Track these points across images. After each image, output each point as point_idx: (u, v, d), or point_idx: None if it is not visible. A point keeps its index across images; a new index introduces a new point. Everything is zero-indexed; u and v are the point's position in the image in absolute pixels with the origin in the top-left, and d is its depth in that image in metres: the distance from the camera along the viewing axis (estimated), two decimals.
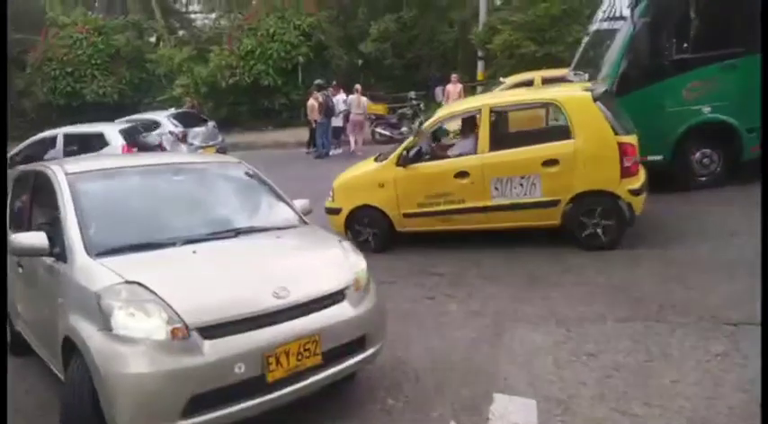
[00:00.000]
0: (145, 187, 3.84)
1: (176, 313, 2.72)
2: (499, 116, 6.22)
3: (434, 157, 6.28)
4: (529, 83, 10.56)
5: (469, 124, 6.39)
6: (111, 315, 2.72)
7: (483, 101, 6.41)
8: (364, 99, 14.57)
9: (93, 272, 2.98)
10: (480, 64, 19.37)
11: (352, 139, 14.09)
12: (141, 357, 2.65)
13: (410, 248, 6.42)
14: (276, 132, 18.85)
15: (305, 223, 3.97)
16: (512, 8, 19.96)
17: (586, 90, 5.76)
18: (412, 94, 17.38)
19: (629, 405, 3.17)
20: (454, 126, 8.02)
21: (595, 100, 5.50)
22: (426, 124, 6.57)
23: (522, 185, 5.61)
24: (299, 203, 4.12)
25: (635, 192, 5.42)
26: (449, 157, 6.24)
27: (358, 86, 14.70)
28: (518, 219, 5.81)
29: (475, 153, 5.89)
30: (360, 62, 23.70)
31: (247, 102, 20.46)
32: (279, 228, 3.74)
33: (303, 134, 15.42)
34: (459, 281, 5.34)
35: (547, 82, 10.68)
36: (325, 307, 3.11)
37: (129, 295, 2.79)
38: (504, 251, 6.00)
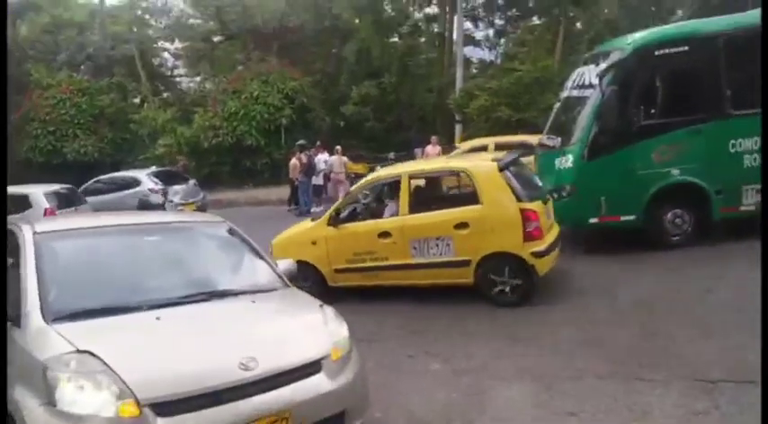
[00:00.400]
0: (118, 247, 3.65)
1: (127, 387, 2.46)
2: (418, 182, 6.77)
3: (367, 218, 6.77)
4: (483, 149, 11.23)
5: (395, 189, 6.83)
6: (57, 388, 2.46)
7: (403, 168, 6.96)
8: (344, 159, 14.87)
9: (45, 339, 2.73)
10: (458, 127, 20.02)
11: (341, 196, 14.23)
12: None
13: (391, 305, 6.38)
14: (257, 190, 18.94)
15: (287, 285, 3.77)
16: (487, 76, 20.90)
17: (494, 160, 6.23)
18: (391, 155, 17.83)
19: None
20: None
21: (501, 170, 5.97)
22: (354, 188, 7.18)
23: (437, 245, 6.04)
24: (283, 264, 3.97)
25: (538, 254, 5.80)
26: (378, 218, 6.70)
27: (338, 147, 15.05)
28: (436, 277, 6.19)
29: (397, 215, 6.36)
30: (342, 124, 24.29)
31: (229, 162, 20.66)
32: (257, 291, 3.53)
33: (284, 192, 15.56)
34: (441, 339, 5.29)
35: (501, 147, 11.26)
36: (299, 379, 2.85)
37: (79, 366, 2.53)
38: (487, 308, 6.01)
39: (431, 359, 4.87)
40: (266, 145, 19.99)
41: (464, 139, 19.87)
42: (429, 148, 14.30)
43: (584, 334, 5.00)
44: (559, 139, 7.94)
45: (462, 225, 5.91)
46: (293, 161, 14.43)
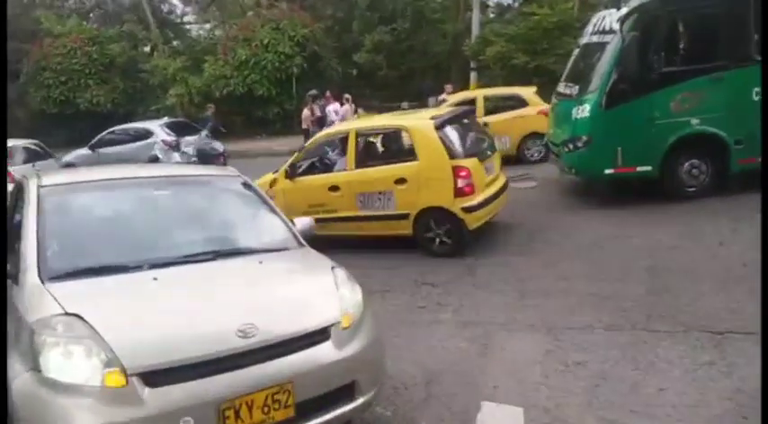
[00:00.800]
0: (125, 202, 3.49)
1: (114, 355, 2.29)
2: (364, 138, 7.01)
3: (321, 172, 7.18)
4: (472, 102, 11.18)
5: (345, 145, 7.04)
6: (41, 354, 2.30)
7: (351, 125, 7.37)
8: (356, 108, 14.73)
9: (38, 299, 2.57)
10: (473, 75, 19.56)
11: None
12: (67, 410, 2.23)
13: (405, 257, 6.46)
14: (269, 140, 18.88)
15: (301, 244, 3.57)
16: (504, 21, 20.23)
17: (432, 118, 6.42)
18: (405, 105, 17.52)
19: (615, 414, 3.20)
20: None
21: (437, 127, 6.19)
22: (308, 143, 7.54)
23: (380, 199, 6.40)
24: (301, 222, 3.78)
25: (468, 209, 6.07)
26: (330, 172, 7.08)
27: (348, 96, 14.84)
28: (380, 229, 6.58)
29: (345, 170, 6.73)
30: (354, 72, 23.86)
31: (241, 112, 20.53)
32: (268, 250, 3.34)
33: (296, 142, 15.45)
34: (451, 290, 5.37)
35: (490, 99, 11.18)
36: (303, 349, 2.64)
37: (65, 330, 2.38)
38: (498, 258, 6.07)
39: (441, 310, 4.95)
40: (278, 94, 19.77)
41: (480, 87, 19.50)
42: (444, 96, 14.01)
43: (594, 287, 5.02)
44: (577, 87, 7.74)
45: (401, 181, 6.23)
46: (305, 111, 14.30)
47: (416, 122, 6.57)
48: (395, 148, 7.10)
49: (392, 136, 7.12)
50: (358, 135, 6.75)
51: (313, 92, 15.25)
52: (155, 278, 2.81)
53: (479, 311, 4.84)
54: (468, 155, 6.24)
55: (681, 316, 4.26)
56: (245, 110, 20.36)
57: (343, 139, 7.00)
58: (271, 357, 2.53)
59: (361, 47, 22.62)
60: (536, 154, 11.02)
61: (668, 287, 4.84)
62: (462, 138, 6.46)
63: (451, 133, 6.36)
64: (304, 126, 14.41)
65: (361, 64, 22.90)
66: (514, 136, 10.88)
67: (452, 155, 6.10)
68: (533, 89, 11.63)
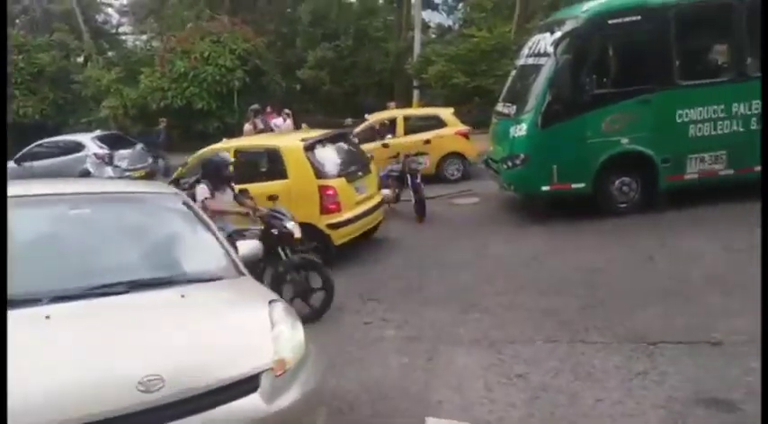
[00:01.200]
0: (35, 222, 3.00)
1: None
2: (244, 156, 7.31)
3: None
4: (392, 121, 11.83)
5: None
6: None
7: (231, 144, 7.91)
8: (291, 123, 14.68)
9: None
10: (416, 93, 19.90)
11: None
12: None
13: (348, 272, 6.41)
14: None
15: (240, 273, 3.17)
16: (444, 41, 20.77)
17: (303, 140, 6.89)
18: (349, 120, 17.59)
19: None
20: None
21: (305, 149, 6.69)
22: (190, 159, 7.85)
23: None
24: (246, 247, 3.52)
25: (333, 226, 6.53)
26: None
27: (287, 111, 14.79)
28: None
29: None
30: (298, 88, 23.76)
31: (179, 125, 19.94)
32: (198, 280, 2.90)
33: None
34: (396, 306, 5.35)
35: (409, 119, 11.96)
36: (222, 403, 2.22)
37: None
38: (441, 272, 6.13)
39: (386, 326, 4.92)
40: (218, 108, 19.36)
41: (422, 105, 19.88)
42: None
43: (534, 301, 5.15)
44: (515, 107, 7.99)
45: (273, 197, 6.41)
46: (247, 126, 14.04)
47: (287, 143, 7.09)
48: (269, 167, 7.31)
49: (267, 156, 7.31)
50: (237, 153, 7.09)
51: (255, 106, 15.02)
52: (47, 317, 2.37)
53: (423, 326, 4.84)
54: (336, 176, 6.71)
55: (616, 328, 4.42)
56: (183, 123, 19.79)
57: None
58: (179, 416, 2.12)
59: (305, 63, 22.59)
60: (456, 173, 11.38)
61: (603, 300, 5.01)
62: (331, 159, 7.01)
63: (321, 154, 6.88)
64: None
65: (304, 79, 22.85)
66: (434, 155, 11.12)
67: (319, 175, 6.59)
68: (451, 110, 12.12)
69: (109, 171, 12.39)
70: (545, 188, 7.49)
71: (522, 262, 6.28)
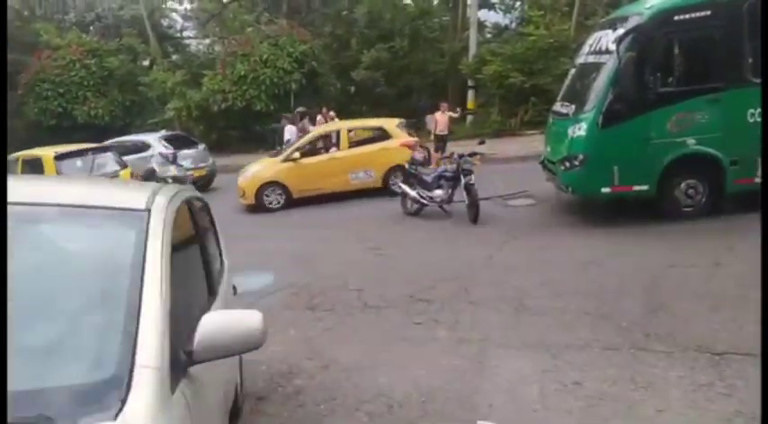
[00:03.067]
0: None
1: None
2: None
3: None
4: (336, 133, 11.86)
5: None
6: None
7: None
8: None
9: None
10: (470, 93, 19.69)
11: None
12: None
13: (398, 272, 6.44)
14: (267, 155, 18.87)
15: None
16: (501, 40, 20.44)
17: (56, 152, 10.12)
18: (402, 121, 17.63)
19: None
20: None
21: (56, 158, 9.65)
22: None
23: None
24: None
25: None
26: None
27: (331, 113, 15.10)
28: None
29: None
30: (352, 89, 23.99)
31: (239, 127, 20.55)
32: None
33: None
34: (447, 307, 5.32)
35: (352, 130, 11.73)
36: None
37: None
38: (495, 275, 6.04)
39: (437, 327, 4.90)
40: (276, 110, 19.81)
41: (477, 105, 19.66)
42: (438, 115, 14.10)
43: (592, 305, 4.99)
44: (573, 107, 7.78)
45: None
46: (289, 126, 14.35)
47: (43, 153, 9.60)
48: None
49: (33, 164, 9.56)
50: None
51: (301, 109, 15.50)
52: None
53: (475, 328, 4.79)
54: None
55: (678, 336, 4.23)
56: (243, 124, 20.39)
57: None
58: None
59: (360, 64, 22.78)
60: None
61: (665, 307, 4.81)
62: (78, 169, 9.20)
63: (69, 164, 9.11)
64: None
65: (358, 80, 23.04)
66: (379, 168, 10.94)
67: None
68: (396, 121, 11.81)
69: (173, 169, 12.90)
70: (605, 190, 7.25)
71: (579, 265, 6.10)
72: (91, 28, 25.74)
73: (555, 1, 20.13)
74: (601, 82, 7.32)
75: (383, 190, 10.79)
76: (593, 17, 17.98)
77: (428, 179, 9.08)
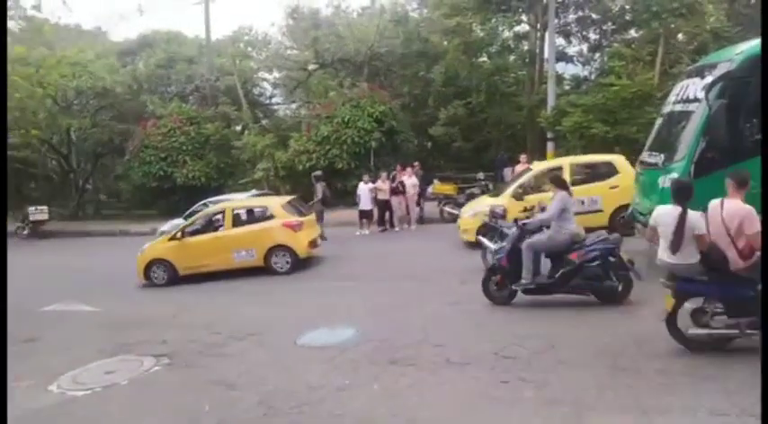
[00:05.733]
0: None
1: None
2: None
3: None
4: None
5: None
6: None
7: None
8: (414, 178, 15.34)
9: None
10: (550, 144, 19.50)
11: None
12: None
13: (481, 327, 6.33)
14: (348, 211, 19.45)
15: None
16: (580, 92, 20.24)
17: None
18: (480, 175, 17.78)
19: None
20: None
21: None
22: None
23: None
24: None
25: None
26: None
27: (415, 164, 15.47)
28: None
29: None
30: (429, 144, 24.47)
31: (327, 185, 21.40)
32: None
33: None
34: (534, 365, 5.15)
35: (240, 209, 11.82)
36: None
37: None
38: (583, 330, 5.79)
39: (524, 386, 4.74)
40: (356, 167, 20.53)
41: (557, 155, 19.40)
42: (519, 167, 14.04)
43: (692, 365, 4.66)
44: (662, 156, 7.53)
45: None
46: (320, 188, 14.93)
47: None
48: None
49: None
50: None
51: (317, 173, 16.30)
52: None
53: (566, 389, 4.59)
54: None
55: None
56: (326, 181, 21.24)
57: None
58: None
59: (437, 120, 23.28)
60: (285, 265, 10.93)
61: None
62: None
63: None
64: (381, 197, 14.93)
65: (436, 136, 23.49)
66: (260, 248, 10.92)
67: None
68: (283, 201, 11.72)
69: None
70: None
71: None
72: (190, 98, 28.19)
73: (636, 51, 19.79)
74: (690, 130, 7.08)
75: (265, 270, 10.91)
76: (677, 65, 17.49)
77: (509, 232, 8.96)
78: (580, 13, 23.32)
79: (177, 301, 9.60)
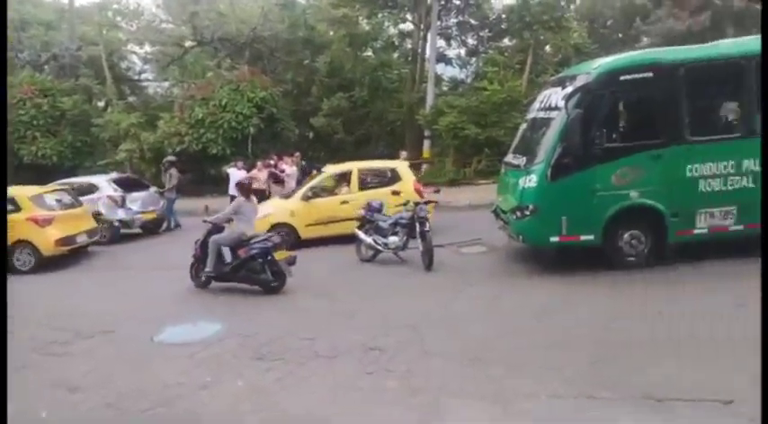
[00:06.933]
0: None
1: None
2: None
3: None
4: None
5: None
6: None
7: None
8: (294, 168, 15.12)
9: None
10: (427, 143, 20.20)
11: None
12: None
13: (352, 319, 6.34)
14: (222, 199, 18.63)
15: None
16: (457, 94, 21.20)
17: None
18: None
19: None
20: None
21: None
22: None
23: None
24: None
25: None
26: None
27: (296, 154, 15.16)
28: None
29: None
30: (310, 135, 24.20)
31: (194, 170, 20.27)
32: None
33: None
34: (400, 357, 5.24)
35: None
36: None
37: None
38: (449, 323, 6.01)
39: (389, 376, 4.80)
40: (232, 154, 19.71)
41: (433, 155, 20.14)
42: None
43: (542, 356, 5.02)
44: (525, 159, 8.05)
45: None
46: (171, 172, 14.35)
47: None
48: None
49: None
50: None
51: (170, 158, 15.47)
52: None
53: (428, 378, 4.72)
54: None
55: (625, 384, 4.28)
56: (198, 167, 20.15)
57: None
58: None
59: (319, 111, 23.08)
60: (27, 264, 10.13)
61: (612, 355, 4.88)
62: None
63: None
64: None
65: (317, 127, 23.29)
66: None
67: None
68: (32, 192, 10.86)
69: (121, 213, 12.56)
70: (554, 239, 7.44)
71: (530, 314, 6.17)
72: (46, 67, 25.27)
73: (509, 58, 21.12)
74: (550, 136, 7.61)
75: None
76: (543, 75, 18.92)
77: (384, 225, 9.12)
78: (461, 18, 24.39)
79: None
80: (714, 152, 7.27)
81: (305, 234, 10.72)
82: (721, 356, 4.61)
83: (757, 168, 7.12)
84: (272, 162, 15.44)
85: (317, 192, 11.23)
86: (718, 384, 4.09)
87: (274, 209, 10.98)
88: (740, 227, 7.26)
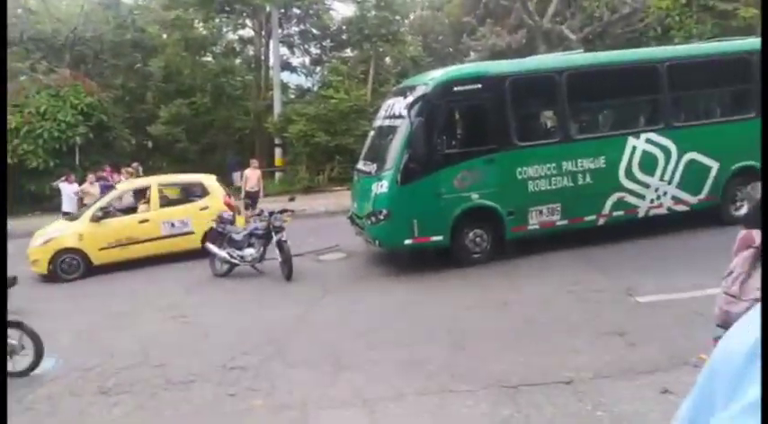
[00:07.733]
0: None
1: None
2: None
3: None
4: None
5: None
6: None
7: None
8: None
9: None
10: (278, 151, 19.95)
11: None
12: None
13: (209, 340, 6.02)
14: (45, 218, 16.55)
15: None
16: (304, 102, 21.24)
17: None
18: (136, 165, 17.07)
19: None
20: None
21: None
22: None
23: None
24: None
25: None
26: None
27: (133, 165, 14.01)
28: None
29: None
30: (149, 144, 22.53)
31: (10, 186, 17.72)
32: None
33: None
34: (263, 373, 5.09)
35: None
36: None
37: None
38: (310, 332, 5.98)
39: (254, 395, 4.65)
40: (56, 166, 17.63)
41: (285, 163, 19.93)
42: (249, 171, 13.94)
43: (402, 353, 5.21)
44: (375, 165, 8.30)
45: None
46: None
47: None
48: None
49: None
50: None
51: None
52: None
53: (293, 392, 4.65)
54: None
55: (480, 374, 4.60)
56: (14, 183, 17.65)
57: None
58: None
59: (157, 118, 21.59)
60: None
61: (466, 347, 5.24)
62: None
63: None
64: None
65: (156, 135, 21.76)
66: None
67: None
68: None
69: None
70: (407, 241, 7.78)
71: (389, 315, 6.37)
72: None
73: (352, 68, 21.64)
74: (397, 143, 7.95)
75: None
76: (386, 84, 19.70)
77: (238, 237, 8.80)
78: (303, 27, 24.43)
79: None
80: (538, 155, 8.14)
81: (98, 259, 9.63)
82: (559, 339, 5.17)
83: (574, 168, 8.12)
84: (104, 174, 14.14)
85: (109, 212, 10.13)
86: (559, 367, 4.56)
87: (59, 233, 9.80)
88: (565, 222, 8.21)
